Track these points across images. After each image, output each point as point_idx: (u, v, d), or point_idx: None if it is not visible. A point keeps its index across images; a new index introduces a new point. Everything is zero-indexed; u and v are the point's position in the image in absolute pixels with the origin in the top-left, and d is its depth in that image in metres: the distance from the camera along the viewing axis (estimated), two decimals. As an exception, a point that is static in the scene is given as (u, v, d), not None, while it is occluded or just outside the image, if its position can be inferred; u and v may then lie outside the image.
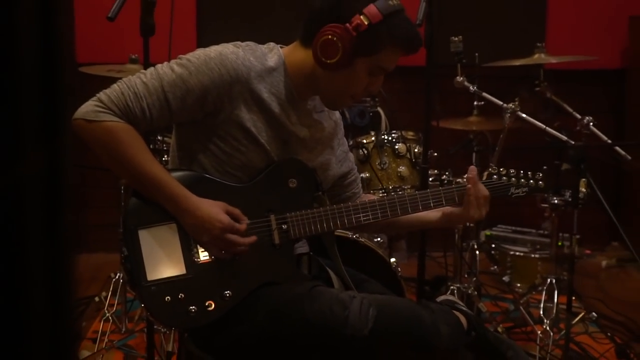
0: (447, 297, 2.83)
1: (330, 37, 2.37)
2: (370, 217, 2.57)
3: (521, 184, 2.74)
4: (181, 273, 2.40)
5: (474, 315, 2.70)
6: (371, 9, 2.35)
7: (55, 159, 0.69)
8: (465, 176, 2.64)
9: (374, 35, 2.38)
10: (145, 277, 2.37)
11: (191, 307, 2.38)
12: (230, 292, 2.41)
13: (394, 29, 2.40)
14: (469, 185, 2.60)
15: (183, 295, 2.38)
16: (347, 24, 2.36)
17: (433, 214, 2.70)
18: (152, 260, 2.39)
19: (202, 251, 2.42)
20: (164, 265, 2.40)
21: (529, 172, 2.76)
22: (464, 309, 2.68)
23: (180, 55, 2.44)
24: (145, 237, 2.40)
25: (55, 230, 0.70)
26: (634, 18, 5.78)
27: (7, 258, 0.64)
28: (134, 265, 2.38)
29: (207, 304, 2.39)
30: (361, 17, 2.35)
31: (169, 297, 2.37)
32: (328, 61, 2.39)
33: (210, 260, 2.42)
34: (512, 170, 2.74)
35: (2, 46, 0.65)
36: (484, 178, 2.74)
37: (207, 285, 2.41)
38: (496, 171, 2.73)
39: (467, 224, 2.58)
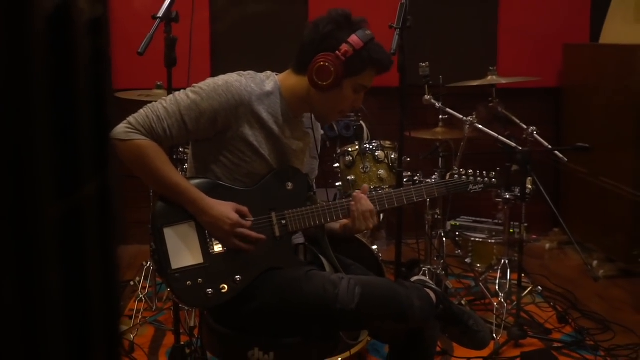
0: (420, 277, 2.84)
1: (323, 63, 2.41)
2: (345, 214, 2.58)
3: (478, 182, 2.76)
4: (199, 262, 2.41)
5: (441, 291, 2.71)
6: (354, 38, 2.41)
7: (106, 185, 0.70)
8: (353, 195, 2.61)
9: (358, 59, 2.42)
10: (170, 266, 2.39)
11: (208, 290, 2.39)
12: (240, 277, 2.42)
13: (373, 53, 2.45)
14: (353, 203, 2.57)
15: (201, 280, 2.39)
16: (337, 52, 2.40)
17: (336, 225, 2.67)
18: (175, 252, 2.41)
19: (216, 244, 2.44)
20: (185, 256, 2.41)
21: (484, 172, 2.78)
22: (433, 286, 2.70)
23: (194, 84, 2.48)
24: (170, 234, 2.42)
25: (108, 251, 0.73)
26: (567, 45, 5.81)
27: (69, 274, 0.65)
28: (161, 256, 2.40)
29: (221, 287, 2.40)
30: (347, 45, 2.39)
31: (190, 282, 2.39)
32: (323, 83, 2.42)
33: (223, 251, 2.44)
34: (470, 171, 2.76)
35: (66, 80, 0.64)
36: (447, 178, 2.74)
37: (221, 272, 2.42)
38: (457, 172, 2.74)
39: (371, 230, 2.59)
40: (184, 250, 2.41)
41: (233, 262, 2.43)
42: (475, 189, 2.75)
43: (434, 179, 4.25)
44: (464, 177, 2.74)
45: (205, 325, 2.62)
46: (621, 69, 5.09)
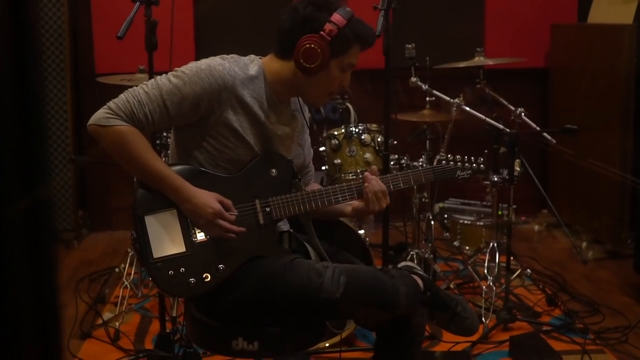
0: (407, 263, 2.78)
1: (309, 45, 2.35)
2: (333, 200, 2.52)
3: (465, 168, 2.70)
4: (182, 251, 2.36)
5: (428, 277, 2.67)
6: (337, 17, 2.36)
7: (40, 200, 0.66)
8: (363, 175, 2.55)
9: (343, 37, 2.37)
10: (152, 255, 2.34)
11: (191, 279, 2.34)
12: (223, 266, 2.36)
13: (356, 29, 2.40)
14: (366, 184, 2.51)
15: (184, 270, 2.34)
16: (321, 32, 2.34)
17: (346, 207, 2.62)
18: (157, 241, 2.35)
19: (199, 232, 2.39)
20: (167, 244, 2.36)
21: (472, 158, 2.72)
22: (421, 272, 2.66)
23: (176, 68, 2.41)
24: (151, 222, 2.36)
25: (41, 263, 0.69)
26: (554, 26, 5.76)
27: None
28: (142, 245, 2.35)
29: (204, 276, 2.35)
30: (331, 24, 2.35)
31: (172, 272, 2.34)
32: (310, 66, 2.37)
33: (206, 239, 2.38)
34: (458, 157, 2.70)
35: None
36: (435, 163, 2.69)
37: (204, 261, 2.36)
38: (445, 157, 2.68)
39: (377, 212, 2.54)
40: (165, 239, 2.36)
41: (216, 250, 2.37)
42: (463, 175, 2.70)
43: (421, 162, 4.20)
44: (451, 162, 2.68)
45: (189, 315, 2.57)
46: (608, 49, 5.04)
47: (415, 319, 2.53)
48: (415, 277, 2.56)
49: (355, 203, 2.56)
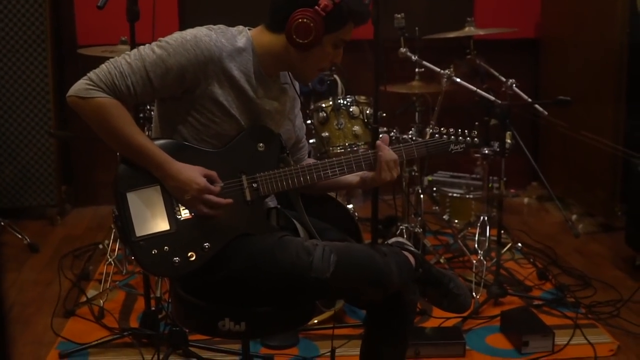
0: (398, 239, 2.70)
1: (302, 20, 2.26)
2: (323, 175, 2.42)
3: (459, 141, 2.61)
4: (165, 229, 2.26)
5: (420, 254, 2.59)
6: None
7: None
8: (377, 144, 2.48)
9: (339, 13, 2.28)
10: (135, 233, 2.25)
11: (175, 258, 2.24)
12: (209, 244, 2.27)
13: (352, 5, 2.30)
14: (380, 153, 2.44)
15: (168, 248, 2.25)
16: (316, 7, 2.25)
17: (353, 177, 2.55)
18: (139, 218, 2.26)
19: (183, 209, 2.29)
20: (150, 222, 2.26)
21: (465, 131, 2.63)
22: (412, 249, 2.58)
23: (160, 38, 2.31)
24: (133, 199, 2.27)
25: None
26: (545, -5, 5.68)
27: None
28: (124, 223, 2.26)
29: (189, 255, 2.26)
30: None
31: (155, 250, 2.24)
32: (304, 41, 2.28)
33: (190, 217, 2.29)
34: (451, 130, 2.61)
35: None
36: (427, 137, 2.61)
37: (189, 239, 2.27)
38: (437, 131, 2.60)
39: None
40: (148, 217, 2.26)
41: (201, 228, 2.28)
42: (457, 149, 2.61)
43: (411, 134, 4.12)
44: (444, 136, 2.60)
45: (173, 294, 2.48)
46: (601, 19, 4.97)
47: (407, 296, 2.46)
48: (406, 253, 2.49)
49: (365, 173, 2.50)
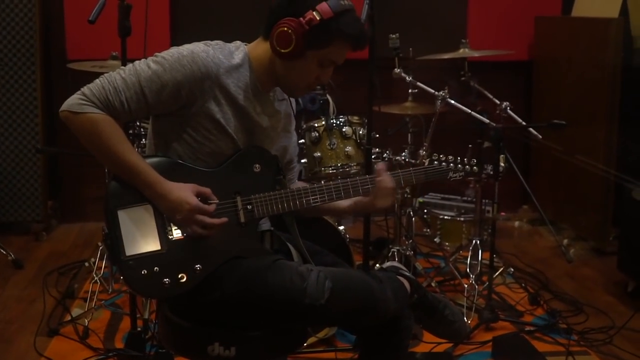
0: (393, 263, 2.68)
1: (284, 29, 2.21)
2: (319, 199, 2.38)
3: (458, 169, 2.58)
4: (156, 249, 2.21)
5: (415, 279, 2.56)
6: (323, 6, 2.20)
7: None
8: (376, 169, 2.44)
9: (325, 30, 2.22)
10: (124, 253, 2.19)
11: (165, 280, 2.19)
12: (200, 266, 2.22)
13: (343, 26, 2.24)
14: (379, 179, 2.41)
15: (158, 269, 2.19)
16: (301, 18, 2.20)
17: (346, 203, 2.51)
18: (130, 237, 2.20)
19: (175, 229, 2.24)
20: (141, 242, 2.21)
21: (465, 159, 2.60)
22: (407, 274, 2.57)
23: (156, 53, 2.26)
24: (124, 217, 2.21)
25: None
26: (538, 18, 5.68)
27: None
28: (114, 242, 2.20)
29: (179, 277, 2.21)
30: (314, 12, 2.20)
31: (145, 271, 2.19)
32: (282, 50, 2.23)
33: (182, 237, 2.23)
34: (450, 157, 2.58)
35: None
36: (426, 164, 2.56)
37: (180, 260, 2.21)
38: (437, 157, 2.56)
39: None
40: (139, 236, 2.21)
41: (193, 249, 2.23)
42: (455, 177, 2.58)
43: (404, 156, 4.08)
44: (443, 163, 2.56)
45: (161, 316, 2.42)
46: (594, 42, 4.96)
47: (402, 322, 2.42)
48: (402, 279, 2.46)
49: (359, 198, 2.46)
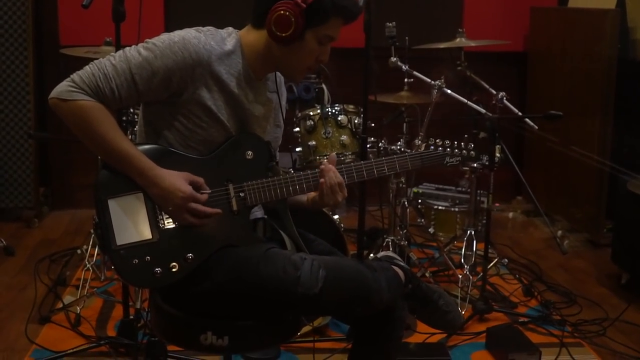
0: (387, 253, 2.63)
1: (282, 12, 2.16)
2: (313, 186, 2.33)
3: (455, 154, 2.53)
4: (147, 238, 2.16)
5: (410, 269, 2.50)
6: None
7: None
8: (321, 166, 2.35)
9: (321, 6, 2.17)
10: (115, 242, 2.15)
11: (157, 269, 2.15)
12: (192, 255, 2.18)
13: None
14: (321, 180, 2.32)
15: (149, 258, 2.15)
16: None
17: (303, 197, 2.44)
18: (120, 226, 2.16)
19: (166, 218, 2.19)
20: (132, 231, 2.16)
21: (462, 143, 2.55)
22: (402, 264, 2.51)
23: (147, 40, 2.21)
24: (114, 206, 2.17)
25: None
26: (534, 9, 5.65)
27: None
28: (104, 231, 2.16)
29: (171, 266, 2.16)
30: None
31: (136, 260, 2.15)
32: (283, 34, 2.17)
33: (174, 226, 2.19)
34: (447, 142, 2.53)
35: None
36: (422, 149, 2.51)
37: (172, 249, 2.17)
38: (433, 142, 2.51)
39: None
40: (130, 225, 2.16)
41: (185, 238, 2.19)
42: (452, 162, 2.53)
43: (399, 145, 4.04)
44: (440, 148, 2.51)
45: (153, 305, 2.38)
46: (589, 34, 4.93)
47: (395, 312, 2.37)
48: (396, 268, 2.41)
49: (312, 194, 2.39)
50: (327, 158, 2.83)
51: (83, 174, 5.37)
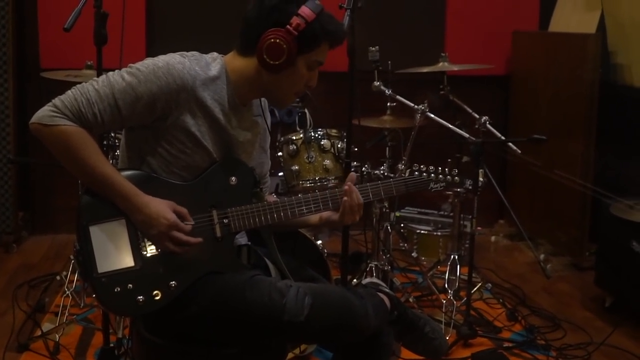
0: (372, 280, 2.63)
1: (274, 40, 2.16)
2: (297, 212, 2.33)
3: (439, 180, 2.53)
4: (130, 265, 2.14)
5: (395, 296, 2.51)
6: (305, 10, 2.16)
7: None
8: (344, 185, 2.37)
9: (311, 33, 2.18)
10: (96, 270, 2.12)
11: (139, 297, 2.13)
12: (175, 282, 2.16)
13: (326, 25, 2.21)
14: (345, 198, 2.34)
15: (132, 286, 2.12)
16: (288, 26, 2.15)
17: (314, 217, 2.45)
18: (102, 253, 2.13)
19: (149, 245, 2.17)
20: (114, 258, 2.14)
21: (446, 169, 2.55)
22: (387, 290, 2.53)
23: (131, 64, 2.19)
24: (96, 233, 2.14)
25: None
26: (516, 33, 5.67)
27: None
28: (86, 258, 2.13)
29: (154, 294, 2.14)
30: (298, 18, 2.15)
31: (118, 288, 2.12)
32: (275, 63, 2.18)
33: (157, 253, 2.17)
34: (431, 167, 2.52)
35: None
36: (407, 174, 2.50)
37: (154, 276, 2.15)
38: (417, 168, 2.50)
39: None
40: (112, 252, 2.13)
41: (168, 265, 2.16)
42: (437, 187, 2.53)
43: (382, 169, 4.03)
44: (424, 174, 2.51)
45: (135, 333, 2.34)
46: (571, 57, 4.96)
47: (381, 338, 2.35)
48: (382, 295, 2.40)
49: (326, 214, 2.40)
50: (332, 180, 2.87)
51: (63, 197, 5.32)
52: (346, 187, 2.34)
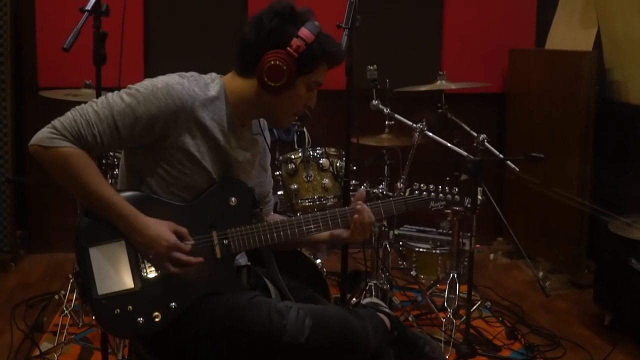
0: (372, 299, 2.62)
1: (274, 62, 2.16)
2: (297, 232, 2.33)
3: (440, 198, 2.53)
4: (129, 287, 2.14)
5: (395, 316, 2.51)
6: (304, 31, 2.17)
7: None
8: (353, 204, 2.39)
9: (311, 54, 2.18)
10: (96, 292, 2.12)
11: (139, 319, 2.12)
12: (175, 304, 2.15)
13: (325, 46, 2.22)
14: (356, 216, 2.35)
15: (131, 308, 2.12)
16: (288, 48, 2.15)
17: (324, 234, 2.45)
18: (102, 275, 2.13)
19: (149, 266, 2.16)
20: (114, 280, 2.13)
21: (446, 188, 2.54)
22: (387, 310, 2.54)
23: (130, 85, 2.19)
24: (96, 254, 2.14)
25: None
26: (512, 50, 5.69)
27: None
28: (85, 280, 2.13)
29: (154, 315, 2.14)
30: (298, 40, 2.16)
31: (118, 310, 2.12)
32: (276, 84, 2.18)
33: (156, 274, 2.16)
34: (431, 186, 2.53)
35: None
36: (406, 193, 2.50)
37: (154, 298, 2.14)
38: (417, 187, 2.50)
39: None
40: (112, 274, 2.13)
41: (167, 287, 2.15)
42: (437, 206, 2.53)
43: (381, 188, 4.03)
44: (424, 192, 2.51)
45: (135, 353, 2.33)
46: (568, 75, 4.97)
47: (381, 359, 2.35)
48: (382, 315, 2.41)
49: (337, 231, 2.41)
50: (333, 198, 2.88)
51: (60, 216, 5.30)
52: (358, 205, 2.35)
